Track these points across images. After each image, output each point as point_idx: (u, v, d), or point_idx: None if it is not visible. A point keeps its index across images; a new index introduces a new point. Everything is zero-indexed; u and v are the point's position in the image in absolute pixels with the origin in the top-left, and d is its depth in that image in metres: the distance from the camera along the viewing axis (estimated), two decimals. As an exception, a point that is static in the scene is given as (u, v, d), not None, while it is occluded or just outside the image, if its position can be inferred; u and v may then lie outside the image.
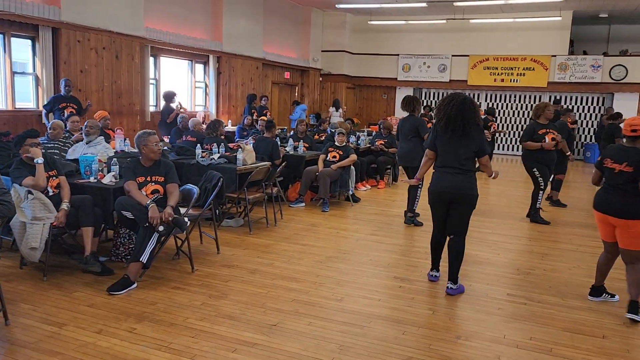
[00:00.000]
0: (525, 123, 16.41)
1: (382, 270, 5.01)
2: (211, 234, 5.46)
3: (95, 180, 4.92)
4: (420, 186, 6.44)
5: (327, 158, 7.92)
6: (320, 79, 17.56)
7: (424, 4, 13.96)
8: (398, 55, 17.23)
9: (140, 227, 4.31)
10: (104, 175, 4.96)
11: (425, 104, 17.16)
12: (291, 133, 10.60)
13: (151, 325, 3.60)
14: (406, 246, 5.89)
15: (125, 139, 7.23)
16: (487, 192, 9.57)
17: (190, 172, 6.35)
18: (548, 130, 6.84)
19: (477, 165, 4.38)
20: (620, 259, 4.15)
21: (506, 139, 16.95)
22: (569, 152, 7.56)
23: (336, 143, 8.06)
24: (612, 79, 15.07)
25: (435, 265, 4.70)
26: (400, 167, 9.41)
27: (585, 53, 15.84)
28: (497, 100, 16.90)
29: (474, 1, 13.14)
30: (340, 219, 7.15)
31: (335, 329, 3.65)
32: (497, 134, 12.30)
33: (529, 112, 16.33)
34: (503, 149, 17.13)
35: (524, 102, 16.60)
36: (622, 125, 6.15)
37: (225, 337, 3.46)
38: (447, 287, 4.38)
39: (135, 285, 4.24)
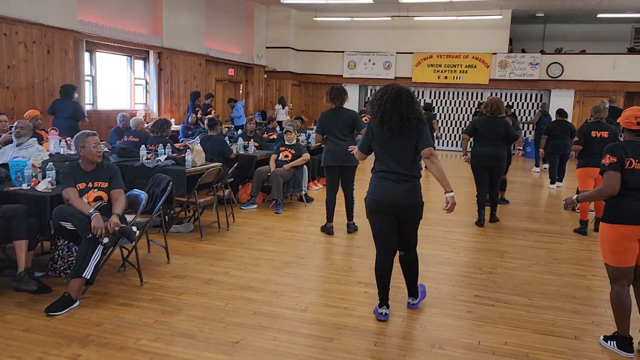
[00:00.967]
0: (468, 119, 16.75)
1: (344, 275, 4.80)
2: (160, 241, 5.07)
3: (29, 188, 4.41)
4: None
5: (279, 158, 7.65)
6: (265, 75, 17.22)
7: (370, 1, 13.91)
8: (344, 52, 17.14)
9: (82, 239, 3.88)
10: (39, 182, 4.46)
11: (367, 100, 17.20)
12: (239, 132, 10.25)
13: (98, 349, 3.22)
14: (365, 248, 5.70)
15: (60, 140, 6.67)
16: (435, 188, 9.58)
17: (134, 175, 5.92)
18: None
19: (423, 166, 4.02)
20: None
21: (447, 134, 17.21)
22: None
23: (286, 142, 7.79)
24: (549, 76, 15.61)
25: (384, 299, 3.77)
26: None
27: (523, 51, 16.34)
28: (441, 97, 17.15)
29: (418, -1, 13.20)
30: (294, 221, 6.89)
31: (302, 343, 3.41)
32: (436, 132, 12.23)
33: (471, 109, 16.69)
34: (446, 145, 17.39)
35: (467, 98, 16.93)
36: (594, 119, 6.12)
37: (184, 360, 3.14)
38: (409, 304, 3.97)
39: (77, 303, 3.82)
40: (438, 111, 16.99)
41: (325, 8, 15.85)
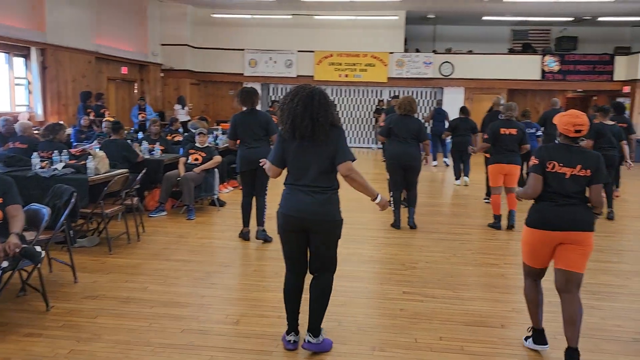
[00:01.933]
0: (369, 117, 17.21)
1: (271, 281, 4.64)
2: (64, 259, 4.58)
3: None
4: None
5: (189, 161, 7.28)
6: (162, 74, 16.41)
7: (269, -2, 13.75)
8: (244, 50, 16.82)
9: (-25, 265, 3.37)
10: None
11: (272, 99, 17.07)
12: (139, 135, 9.65)
13: (6, 391, 2.81)
14: (288, 251, 5.58)
15: None
16: (345, 185, 9.67)
17: (28, 186, 5.31)
18: None
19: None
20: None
21: (349, 132, 17.56)
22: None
23: (197, 144, 7.44)
24: (442, 74, 16.46)
25: (293, 325, 3.38)
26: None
27: (418, 51, 17.07)
28: (343, 95, 17.43)
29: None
30: (210, 227, 6.60)
31: (241, 360, 3.22)
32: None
33: (371, 107, 17.15)
34: (350, 142, 17.73)
35: (367, 96, 17.38)
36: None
37: (112, 392, 2.82)
38: (305, 341, 3.31)
39: (-28, 339, 3.32)
40: (340, 109, 17.25)
41: (223, 5, 15.44)
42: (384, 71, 16.39)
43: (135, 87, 15.54)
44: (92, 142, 7.92)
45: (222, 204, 7.66)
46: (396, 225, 6.61)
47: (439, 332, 3.66)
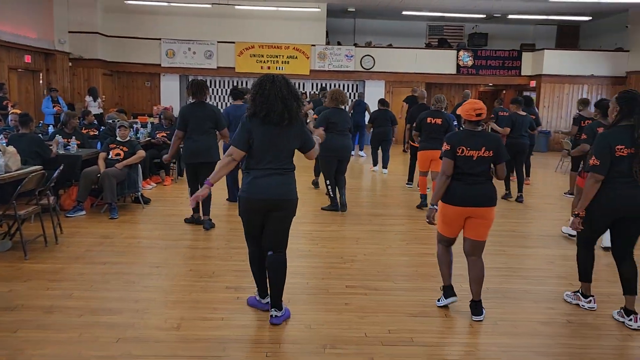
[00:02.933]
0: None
1: (210, 281, 4.43)
2: (-27, 268, 4.10)
3: None
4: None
5: (109, 156, 6.81)
6: (70, 64, 15.29)
7: (188, -14, 13.20)
8: (160, 39, 16.06)
9: None
10: None
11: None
12: (50, 129, 8.93)
13: None
14: (223, 249, 5.37)
15: None
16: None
17: None
18: None
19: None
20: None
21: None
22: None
23: (118, 138, 6.97)
24: (363, 67, 16.67)
25: (265, 291, 3.75)
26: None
27: (339, 43, 17.17)
28: (265, 88, 17.18)
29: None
30: (135, 226, 6.22)
31: (186, 367, 3.02)
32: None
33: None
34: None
35: (289, 89, 17.24)
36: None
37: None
38: (271, 317, 3.57)
39: None
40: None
41: (137, -9, 14.63)
42: (306, 64, 16.33)
43: (41, 78, 14.39)
44: (-3, 137, 7.19)
45: (146, 201, 7.26)
46: (336, 207, 6.97)
47: (387, 325, 3.65)
